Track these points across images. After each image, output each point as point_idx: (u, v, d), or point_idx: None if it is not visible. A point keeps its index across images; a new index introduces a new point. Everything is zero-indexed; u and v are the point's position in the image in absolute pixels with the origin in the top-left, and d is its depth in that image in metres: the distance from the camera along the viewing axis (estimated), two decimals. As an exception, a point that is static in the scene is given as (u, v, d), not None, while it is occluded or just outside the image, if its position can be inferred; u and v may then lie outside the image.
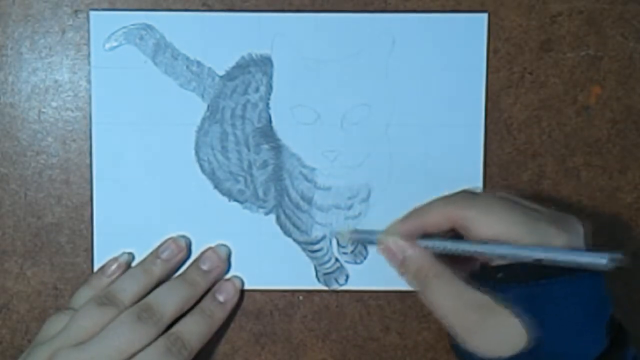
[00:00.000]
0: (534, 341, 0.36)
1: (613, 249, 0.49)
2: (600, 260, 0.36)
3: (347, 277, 0.49)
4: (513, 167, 0.49)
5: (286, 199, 0.48)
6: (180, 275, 0.47)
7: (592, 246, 0.38)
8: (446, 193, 0.41)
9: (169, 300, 0.44)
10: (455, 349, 0.40)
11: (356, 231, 0.47)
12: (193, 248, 0.48)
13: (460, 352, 0.39)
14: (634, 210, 0.49)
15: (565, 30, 0.48)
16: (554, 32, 0.48)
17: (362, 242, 0.48)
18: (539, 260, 0.36)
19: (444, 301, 0.39)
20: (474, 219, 0.39)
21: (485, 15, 0.48)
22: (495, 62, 0.48)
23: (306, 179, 0.48)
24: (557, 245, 0.37)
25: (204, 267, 0.47)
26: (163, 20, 0.47)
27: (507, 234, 0.38)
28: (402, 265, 0.42)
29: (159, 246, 0.47)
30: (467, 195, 0.41)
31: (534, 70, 0.48)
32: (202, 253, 0.47)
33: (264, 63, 0.47)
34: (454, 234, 0.41)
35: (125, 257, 0.47)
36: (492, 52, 0.48)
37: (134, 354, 0.42)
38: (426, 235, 0.41)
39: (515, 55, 0.48)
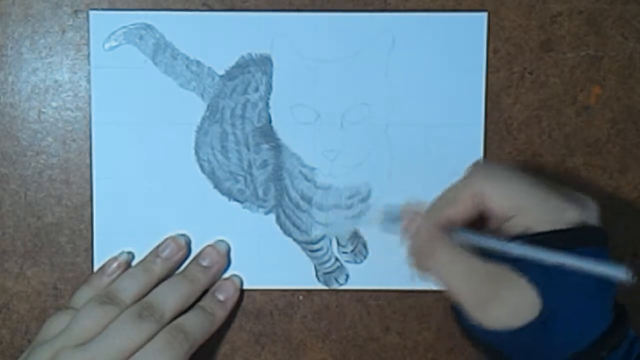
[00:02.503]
0: (547, 310, 0.36)
1: (612, 249, 0.49)
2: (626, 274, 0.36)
3: (347, 276, 0.49)
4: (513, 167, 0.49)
5: (286, 198, 0.48)
6: (180, 272, 0.47)
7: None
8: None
9: (169, 297, 0.44)
10: (462, 324, 0.39)
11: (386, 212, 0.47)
12: (193, 248, 0.48)
13: (466, 327, 0.39)
14: (634, 210, 0.49)
15: (565, 30, 0.48)
16: (554, 32, 0.48)
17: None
18: (562, 265, 0.36)
19: (456, 276, 0.39)
20: (492, 193, 0.39)
21: (485, 15, 0.48)
22: (495, 62, 0.48)
23: (306, 178, 0.48)
24: (570, 219, 0.37)
25: (204, 263, 0.47)
26: (163, 20, 0.47)
27: (523, 206, 0.38)
28: (412, 240, 0.41)
29: (159, 245, 0.47)
30: (483, 171, 0.40)
31: (534, 70, 0.48)
32: (202, 250, 0.48)
33: (264, 63, 0.47)
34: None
35: (125, 256, 0.47)
36: (492, 52, 0.48)
37: (136, 352, 0.42)
38: (456, 227, 0.41)
39: (515, 55, 0.48)
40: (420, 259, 0.41)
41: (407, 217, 0.43)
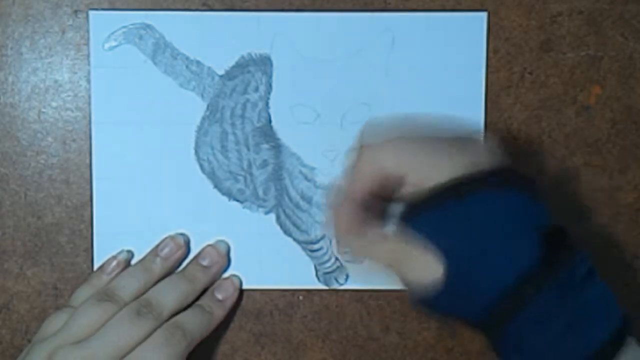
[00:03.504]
0: (451, 268, 0.36)
1: (612, 249, 0.49)
2: None
3: (347, 276, 0.49)
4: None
5: (286, 198, 0.48)
6: (180, 271, 0.47)
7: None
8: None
9: (168, 295, 0.44)
10: (411, 298, 0.40)
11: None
12: (193, 248, 0.48)
13: (413, 300, 0.39)
14: (634, 210, 0.49)
15: (565, 30, 0.48)
16: (554, 32, 0.48)
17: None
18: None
19: (377, 253, 0.40)
20: (385, 159, 0.38)
21: (484, 15, 0.48)
22: (495, 62, 0.48)
23: (306, 178, 0.48)
24: (461, 166, 0.37)
25: (204, 263, 0.47)
26: (163, 20, 0.47)
27: (410, 163, 0.38)
28: (335, 227, 0.41)
29: (158, 244, 0.47)
30: (372, 141, 0.40)
31: (534, 70, 0.48)
32: (202, 249, 0.48)
33: (264, 62, 0.47)
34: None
35: (124, 254, 0.47)
36: (492, 52, 0.48)
37: (134, 349, 0.41)
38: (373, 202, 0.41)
39: (515, 55, 0.48)
40: (345, 243, 0.42)
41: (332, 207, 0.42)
